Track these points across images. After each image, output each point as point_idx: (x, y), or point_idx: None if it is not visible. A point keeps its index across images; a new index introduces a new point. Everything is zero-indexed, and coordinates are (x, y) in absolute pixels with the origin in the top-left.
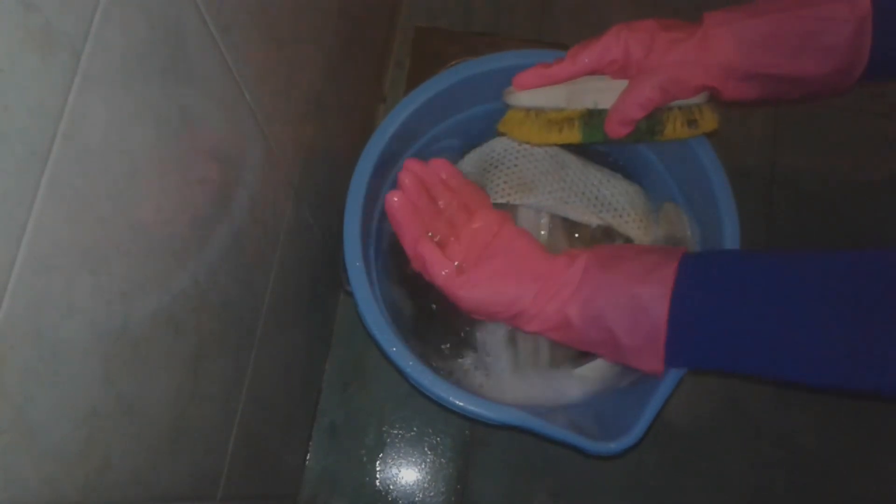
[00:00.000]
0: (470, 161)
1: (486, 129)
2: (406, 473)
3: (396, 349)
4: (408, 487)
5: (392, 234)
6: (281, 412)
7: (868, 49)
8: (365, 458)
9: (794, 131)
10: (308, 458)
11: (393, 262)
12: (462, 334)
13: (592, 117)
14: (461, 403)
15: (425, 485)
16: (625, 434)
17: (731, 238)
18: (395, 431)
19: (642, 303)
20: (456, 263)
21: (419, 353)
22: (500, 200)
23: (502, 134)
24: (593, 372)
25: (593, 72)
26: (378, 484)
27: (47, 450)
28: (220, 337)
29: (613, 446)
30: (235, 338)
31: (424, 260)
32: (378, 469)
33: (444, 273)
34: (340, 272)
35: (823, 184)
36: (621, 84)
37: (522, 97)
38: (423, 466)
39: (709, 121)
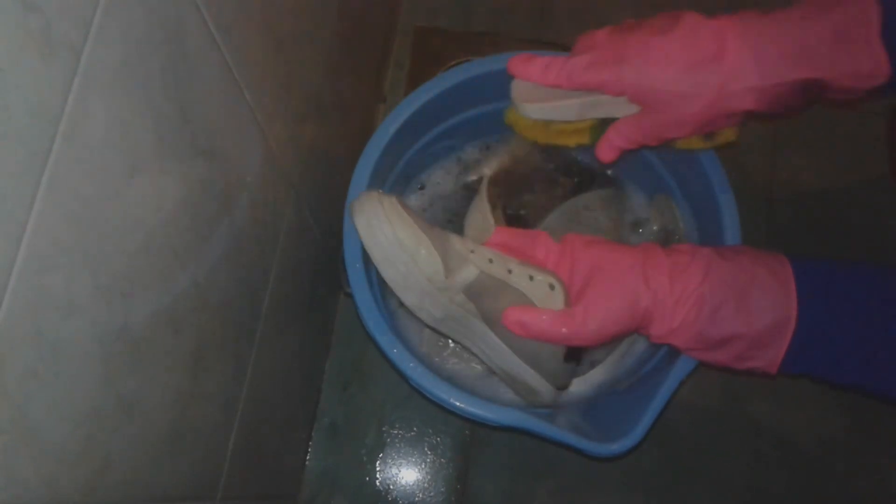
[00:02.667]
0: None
1: (486, 130)
2: (406, 473)
3: (397, 350)
4: (408, 487)
5: None
6: (281, 412)
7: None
8: (365, 458)
9: (794, 131)
10: (308, 458)
11: None
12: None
13: (605, 124)
14: (461, 404)
15: (425, 485)
16: (626, 435)
17: (731, 238)
18: (395, 431)
19: (769, 292)
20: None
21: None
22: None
23: (509, 126)
24: (585, 384)
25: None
26: (378, 484)
27: (47, 450)
28: (220, 337)
29: (615, 447)
30: (235, 338)
31: (531, 326)
32: (378, 469)
33: (563, 331)
34: (340, 273)
35: (823, 184)
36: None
37: (533, 110)
38: (423, 466)
39: (727, 133)
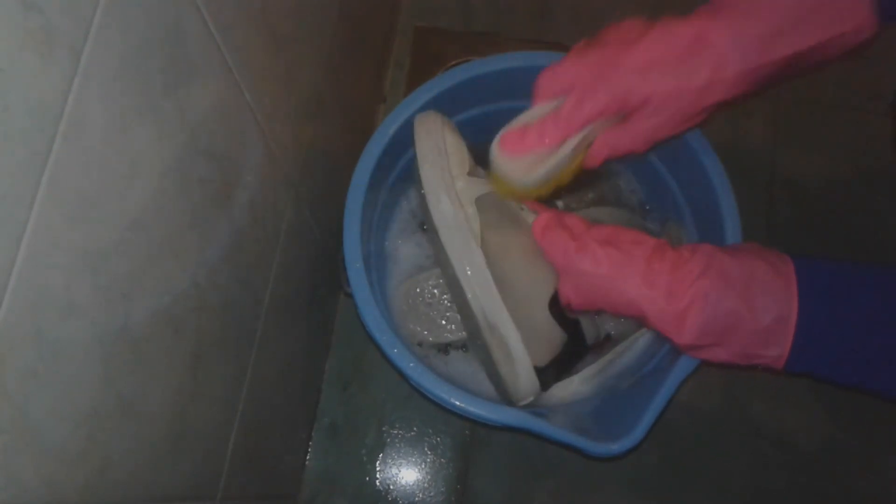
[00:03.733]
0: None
1: (486, 130)
2: (406, 473)
3: (397, 350)
4: (408, 487)
5: (391, 234)
6: (281, 412)
7: None
8: (365, 458)
9: (794, 131)
10: (308, 458)
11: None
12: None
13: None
14: (461, 404)
15: (425, 485)
16: (626, 435)
17: (732, 238)
18: (395, 431)
19: (771, 288)
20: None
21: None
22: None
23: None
24: (564, 390)
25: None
26: (378, 484)
27: (47, 450)
28: (220, 337)
29: (615, 447)
30: (235, 338)
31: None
32: (378, 469)
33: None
34: (340, 273)
35: (823, 184)
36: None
37: (540, 175)
38: (423, 466)
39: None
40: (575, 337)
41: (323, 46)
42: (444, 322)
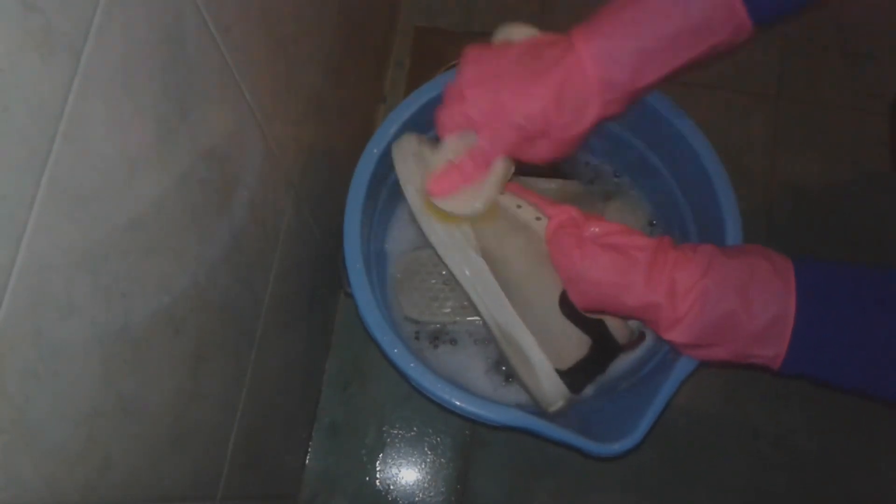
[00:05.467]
0: None
1: None
2: (406, 473)
3: (397, 350)
4: (408, 487)
5: (390, 231)
6: (281, 412)
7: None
8: (365, 458)
9: (794, 131)
10: (308, 458)
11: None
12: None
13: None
14: (461, 404)
15: (425, 485)
16: (627, 435)
17: (732, 238)
18: (395, 431)
19: (770, 288)
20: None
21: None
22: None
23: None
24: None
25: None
26: (378, 484)
27: (47, 450)
28: (220, 337)
29: (615, 448)
30: (235, 338)
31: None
32: (378, 469)
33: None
34: (340, 273)
35: (823, 184)
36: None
37: (481, 204)
38: (423, 466)
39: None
40: (601, 337)
41: (323, 46)
42: (436, 303)
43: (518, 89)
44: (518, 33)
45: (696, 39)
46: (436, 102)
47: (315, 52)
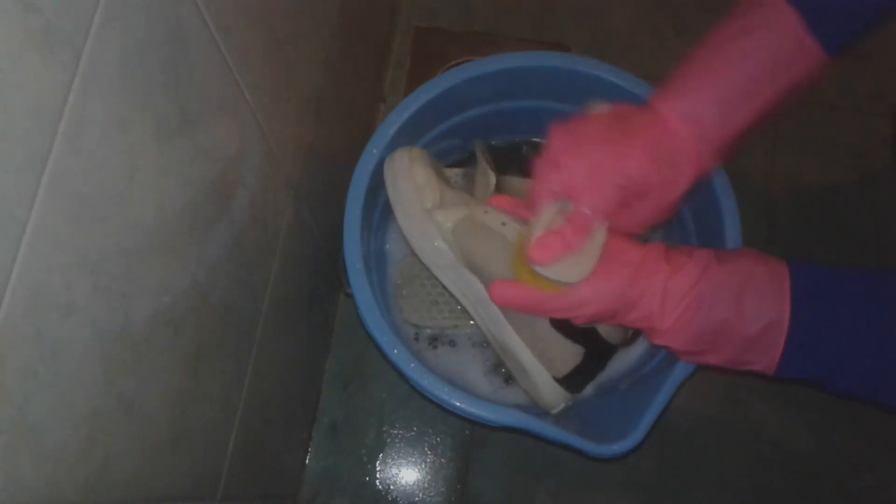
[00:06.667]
0: None
1: (487, 130)
2: (406, 473)
3: (397, 351)
4: (408, 487)
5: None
6: (281, 412)
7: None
8: (365, 458)
9: (794, 131)
10: (308, 458)
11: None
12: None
13: None
14: (461, 404)
15: (425, 485)
16: (627, 436)
17: (732, 238)
18: (395, 431)
19: (765, 294)
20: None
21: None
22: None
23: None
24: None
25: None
26: (378, 484)
27: (47, 450)
28: (220, 337)
29: (615, 448)
30: (235, 338)
31: (515, 300)
32: (378, 469)
33: (546, 303)
34: (340, 273)
35: (823, 184)
36: None
37: (581, 270)
38: (423, 466)
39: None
40: (594, 343)
41: (323, 46)
42: (436, 307)
43: (614, 151)
44: (600, 109)
45: (773, 80)
46: (436, 102)
47: (315, 52)
